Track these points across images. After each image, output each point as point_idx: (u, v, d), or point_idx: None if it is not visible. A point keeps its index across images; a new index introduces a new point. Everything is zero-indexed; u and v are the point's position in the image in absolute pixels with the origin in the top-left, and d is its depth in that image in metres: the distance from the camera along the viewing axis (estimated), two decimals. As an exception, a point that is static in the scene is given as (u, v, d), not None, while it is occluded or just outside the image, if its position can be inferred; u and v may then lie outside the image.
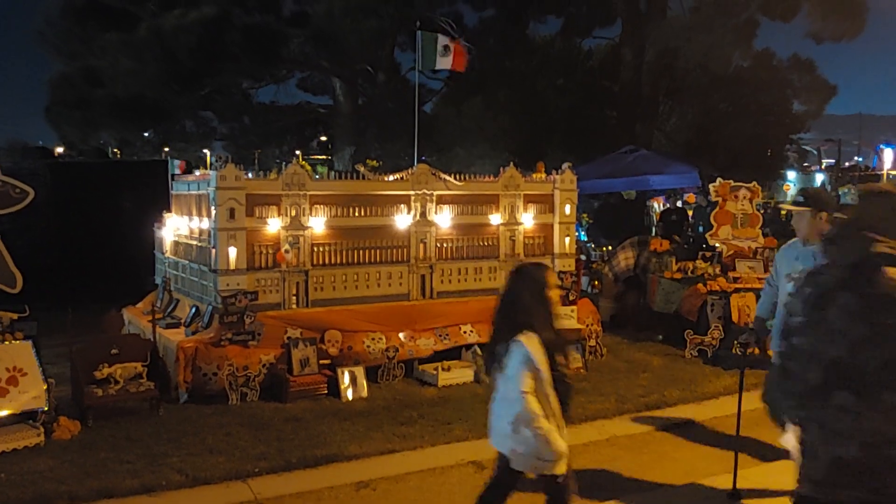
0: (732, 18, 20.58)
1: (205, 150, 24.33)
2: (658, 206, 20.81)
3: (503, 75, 20.86)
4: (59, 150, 21.48)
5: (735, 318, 8.54)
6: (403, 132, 20.85)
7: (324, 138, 22.64)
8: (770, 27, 21.41)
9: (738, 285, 8.85)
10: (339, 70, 18.59)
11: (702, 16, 21.12)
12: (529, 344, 3.50)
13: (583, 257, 15.74)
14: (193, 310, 7.57)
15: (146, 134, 20.35)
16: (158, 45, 14.43)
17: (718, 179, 9.97)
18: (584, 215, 18.07)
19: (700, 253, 9.85)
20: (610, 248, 15.92)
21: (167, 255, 8.54)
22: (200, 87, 16.10)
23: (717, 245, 9.80)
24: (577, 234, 17.88)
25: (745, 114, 21.43)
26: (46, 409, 5.57)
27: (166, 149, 23.52)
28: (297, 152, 28.01)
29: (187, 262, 7.87)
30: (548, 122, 21.08)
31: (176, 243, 8.33)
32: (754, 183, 9.94)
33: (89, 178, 12.25)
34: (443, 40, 8.05)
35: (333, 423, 6.20)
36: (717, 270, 9.36)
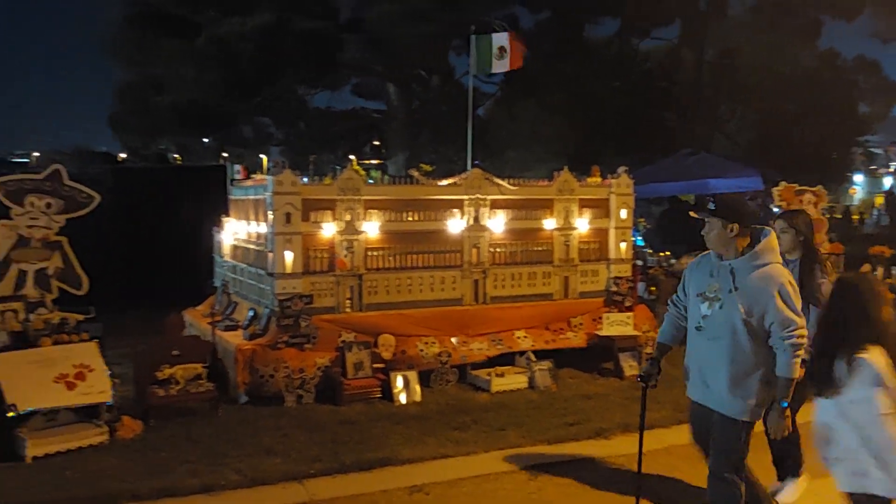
0: (796, 18, 20.09)
1: (262, 156, 24.77)
2: None
3: (558, 78, 20.72)
4: (122, 155, 22.15)
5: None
6: (457, 136, 20.85)
7: (377, 143, 22.83)
8: (834, 27, 20.84)
9: (801, 292, 8.58)
10: (393, 75, 18.74)
11: (764, 15, 20.67)
12: (876, 360, 3.22)
13: (639, 262, 15.54)
14: (251, 312, 7.70)
15: (205, 140, 20.84)
16: (218, 52, 14.77)
17: (782, 183, 9.67)
18: (641, 220, 17.80)
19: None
20: (668, 252, 15.68)
21: (226, 258, 8.71)
22: (258, 93, 16.42)
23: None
24: (633, 238, 17.69)
25: (809, 115, 20.86)
26: (111, 403, 5.70)
27: (225, 154, 24.04)
28: (352, 157, 28.35)
29: (245, 265, 8.01)
30: (603, 125, 20.85)
31: (234, 247, 8.48)
32: (819, 187, 9.61)
33: (151, 182, 12.59)
34: (498, 41, 7.99)
35: (387, 427, 6.23)
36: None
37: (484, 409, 6.75)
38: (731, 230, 3.87)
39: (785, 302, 3.77)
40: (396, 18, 16.54)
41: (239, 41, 14.66)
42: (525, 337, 7.80)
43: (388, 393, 6.94)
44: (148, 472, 5.19)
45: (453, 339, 7.54)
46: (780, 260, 3.94)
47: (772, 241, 3.90)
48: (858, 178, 38.71)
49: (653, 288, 11.91)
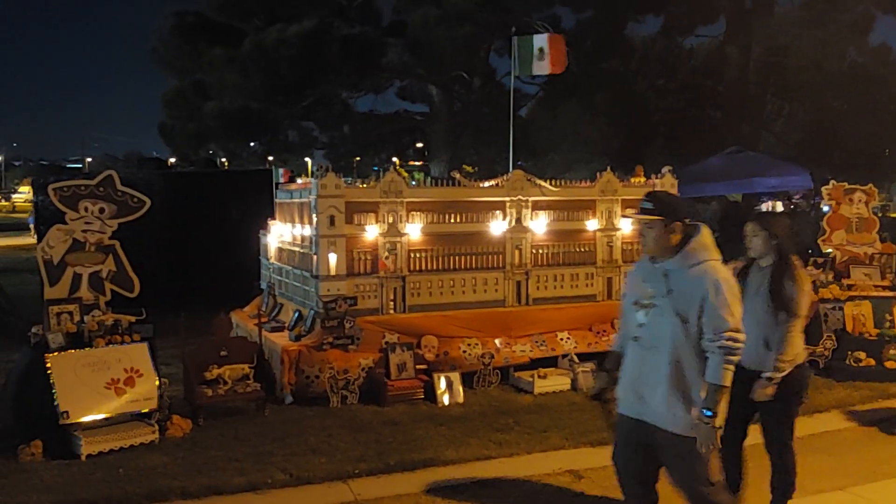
0: (846, 13, 19.60)
1: (307, 159, 25.12)
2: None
3: (601, 77, 20.55)
4: (172, 160, 22.65)
5: (850, 327, 8.09)
6: (499, 137, 20.86)
7: (420, 145, 22.96)
8: (885, 22, 20.25)
9: (852, 293, 8.39)
10: (435, 77, 18.83)
11: (813, 11, 20.19)
12: None
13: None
14: (296, 314, 7.82)
15: (251, 145, 21.19)
16: (261, 58, 15.03)
17: (832, 182, 9.48)
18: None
19: (812, 259, 9.38)
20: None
21: (271, 260, 8.86)
22: (302, 98, 16.65)
23: (829, 251, 9.32)
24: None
25: (860, 112, 20.31)
26: (157, 408, 5.85)
27: (270, 158, 24.42)
28: (395, 159, 28.55)
29: (290, 267, 8.14)
30: (648, 125, 20.63)
31: (280, 249, 8.62)
32: (870, 185, 9.39)
33: (199, 187, 12.86)
34: (538, 43, 7.99)
35: (430, 428, 6.26)
36: (830, 277, 8.89)
37: (526, 411, 6.74)
38: (672, 229, 3.53)
39: (718, 301, 3.43)
40: (437, 21, 16.61)
41: (280, 47, 14.88)
42: (568, 339, 7.77)
43: (431, 394, 6.98)
44: (196, 470, 5.30)
45: (496, 341, 7.56)
46: (718, 257, 3.58)
47: (705, 237, 3.56)
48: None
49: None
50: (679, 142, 20.14)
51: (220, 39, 16.87)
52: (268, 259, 9.03)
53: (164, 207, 12.68)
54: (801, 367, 4.34)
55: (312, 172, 7.28)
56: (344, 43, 16.47)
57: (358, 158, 25.22)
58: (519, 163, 26.96)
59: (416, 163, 27.69)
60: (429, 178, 8.06)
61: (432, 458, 5.57)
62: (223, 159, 23.50)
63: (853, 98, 20.18)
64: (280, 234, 8.64)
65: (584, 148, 20.43)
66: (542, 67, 8.11)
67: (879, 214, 14.60)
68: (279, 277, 8.55)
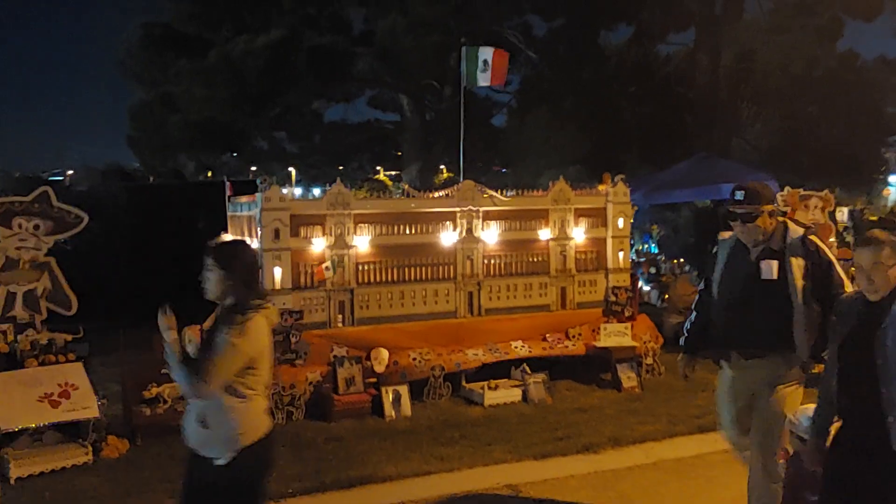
0: (813, 19, 19.75)
1: (290, 169, 24.95)
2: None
3: (573, 85, 20.57)
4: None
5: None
6: (470, 146, 20.82)
7: (400, 154, 22.87)
8: (853, 28, 20.41)
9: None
10: (404, 86, 18.73)
11: (780, 17, 20.35)
12: None
13: (652, 270, 15.35)
14: (246, 329, 7.70)
15: (227, 155, 21.00)
16: (227, 69, 14.90)
17: (786, 188, 9.49)
18: (654, 227, 17.60)
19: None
20: (682, 260, 15.47)
21: (224, 274, 8.74)
22: (270, 108, 16.51)
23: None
24: (647, 245, 17.49)
25: (831, 118, 20.45)
26: (98, 418, 5.72)
27: (253, 168, 24.19)
28: (379, 168, 28.37)
29: (240, 281, 8.02)
30: (621, 131, 20.65)
31: (231, 263, 8.50)
32: (826, 191, 9.41)
33: (159, 199, 12.77)
34: (483, 55, 7.98)
35: (374, 443, 6.18)
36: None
37: (474, 424, 6.67)
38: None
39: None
40: (405, 30, 16.54)
41: (247, 58, 14.77)
42: (523, 346, 7.71)
43: (379, 408, 6.89)
44: (126, 492, 5.20)
45: (448, 350, 7.47)
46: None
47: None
48: (894, 178, 37.79)
49: (666, 296, 11.77)
50: (653, 148, 20.17)
51: (188, 51, 16.72)
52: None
53: (126, 221, 12.63)
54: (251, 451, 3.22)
55: (259, 184, 7.18)
56: (311, 53, 16.36)
57: (342, 167, 25.11)
58: (504, 170, 26.98)
59: (393, 172, 27.63)
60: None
61: (370, 475, 5.48)
62: (209, 172, 23.17)
63: (823, 103, 20.31)
64: (232, 248, 8.52)
65: (556, 155, 20.40)
66: (485, 79, 8.12)
67: (869, 217, 14.61)
68: (231, 291, 8.43)
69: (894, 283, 3.15)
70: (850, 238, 17.40)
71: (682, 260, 15.30)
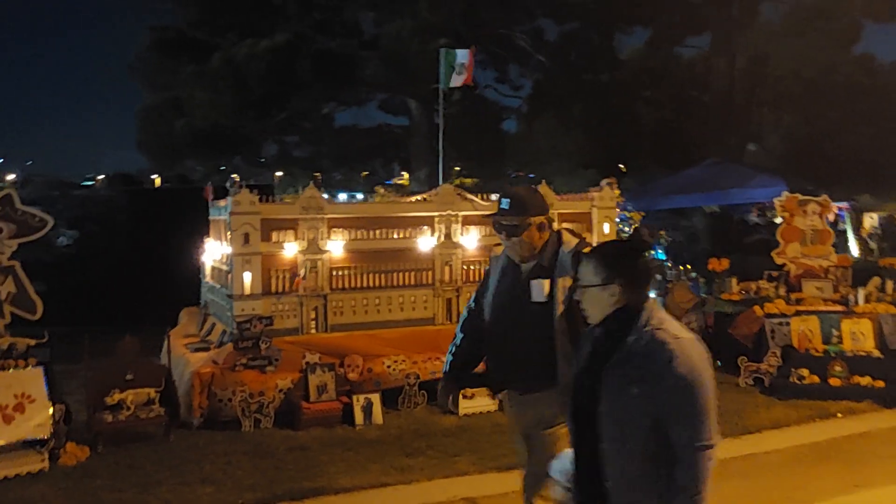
0: (831, 22, 19.31)
1: (316, 174, 25.04)
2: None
3: (586, 89, 20.32)
4: (156, 177, 22.62)
5: (796, 343, 7.80)
6: (479, 150, 20.63)
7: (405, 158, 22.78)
8: (869, 30, 19.94)
9: (800, 307, 8.09)
10: (412, 90, 18.64)
11: (796, 20, 19.94)
12: None
13: (658, 277, 15.01)
14: (223, 333, 7.61)
15: (234, 159, 21.07)
16: (231, 74, 14.91)
17: (784, 193, 9.20)
18: (662, 232, 17.26)
19: (766, 273, 9.09)
20: (689, 266, 15.13)
21: (206, 279, 8.67)
22: (274, 113, 16.52)
23: (784, 264, 9.02)
24: (653, 252, 17.13)
25: (848, 123, 19.96)
26: (48, 437, 5.63)
27: (279, 174, 24.22)
28: (404, 173, 28.21)
29: (218, 286, 7.94)
30: (635, 136, 20.36)
31: (212, 268, 8.44)
32: (824, 196, 9.09)
33: (161, 203, 12.79)
34: (461, 58, 7.84)
35: (337, 453, 6.03)
36: (783, 291, 8.59)
37: (445, 434, 6.49)
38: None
39: None
40: (411, 34, 16.45)
41: (250, 62, 14.77)
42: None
43: (350, 416, 6.74)
44: (76, 502, 5.09)
45: (422, 356, 7.30)
46: None
47: None
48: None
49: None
50: (667, 152, 19.84)
51: (196, 55, 16.79)
52: (204, 277, 8.85)
53: (123, 225, 12.66)
54: None
55: (228, 188, 7.09)
56: (317, 57, 16.33)
57: (366, 173, 25.09)
58: (513, 174, 26.76)
59: (405, 174, 27.52)
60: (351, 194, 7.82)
61: (324, 487, 5.34)
62: (234, 175, 23.21)
63: (840, 108, 19.83)
64: (213, 253, 8.46)
65: (567, 159, 20.17)
66: (458, 80, 7.98)
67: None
68: (210, 296, 8.36)
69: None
70: (874, 245, 16.97)
71: (688, 266, 14.95)
